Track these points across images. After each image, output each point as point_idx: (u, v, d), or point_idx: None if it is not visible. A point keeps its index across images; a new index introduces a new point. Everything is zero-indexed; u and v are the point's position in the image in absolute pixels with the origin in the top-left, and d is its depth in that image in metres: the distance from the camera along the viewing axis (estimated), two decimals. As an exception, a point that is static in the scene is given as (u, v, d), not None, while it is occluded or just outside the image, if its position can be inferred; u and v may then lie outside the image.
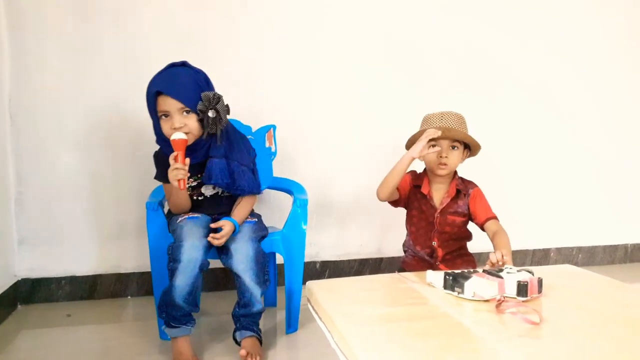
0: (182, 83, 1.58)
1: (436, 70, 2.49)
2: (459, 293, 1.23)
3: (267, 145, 2.03)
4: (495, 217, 1.74)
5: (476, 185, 1.81)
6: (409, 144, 1.82)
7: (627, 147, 2.80)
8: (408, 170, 1.80)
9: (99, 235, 2.20)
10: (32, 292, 2.14)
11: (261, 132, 2.04)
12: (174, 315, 1.59)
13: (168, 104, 1.57)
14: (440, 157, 1.72)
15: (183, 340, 1.61)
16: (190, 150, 1.60)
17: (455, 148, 1.74)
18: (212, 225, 1.62)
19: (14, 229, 2.11)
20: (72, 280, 2.18)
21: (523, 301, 1.19)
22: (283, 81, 2.33)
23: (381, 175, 2.40)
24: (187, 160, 1.56)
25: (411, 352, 0.97)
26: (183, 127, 1.57)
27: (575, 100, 2.70)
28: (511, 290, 1.22)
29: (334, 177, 2.42)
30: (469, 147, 1.78)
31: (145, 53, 2.17)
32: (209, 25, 2.23)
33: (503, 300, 1.17)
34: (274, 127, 2.06)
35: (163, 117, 1.60)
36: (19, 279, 2.12)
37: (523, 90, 2.61)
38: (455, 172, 1.81)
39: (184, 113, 1.58)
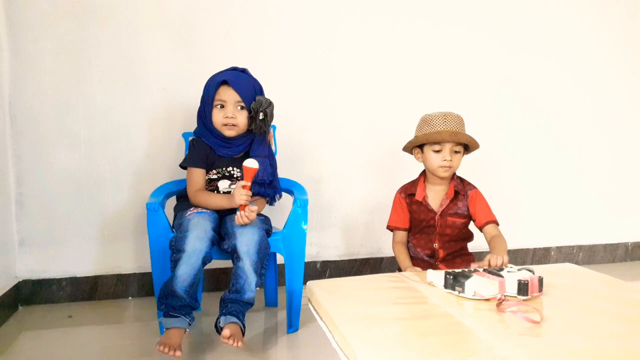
0: (244, 81, 1.79)
1: (436, 73, 2.49)
2: (459, 292, 1.23)
3: (267, 145, 2.04)
4: (494, 221, 1.74)
5: (474, 187, 1.80)
6: (408, 147, 1.83)
7: (627, 145, 2.80)
8: (399, 190, 1.87)
9: (99, 236, 2.20)
10: (33, 293, 2.14)
11: (261, 132, 2.04)
12: (174, 305, 1.54)
13: (228, 94, 1.76)
14: (444, 160, 1.72)
15: (177, 330, 1.54)
16: (231, 145, 1.80)
17: (458, 151, 1.75)
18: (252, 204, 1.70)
19: (15, 230, 2.11)
20: (73, 281, 2.18)
21: (524, 300, 1.20)
22: (283, 81, 2.33)
23: (380, 175, 2.42)
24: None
25: (412, 351, 0.97)
26: (233, 118, 1.75)
27: (574, 100, 2.69)
28: (512, 289, 1.22)
29: (334, 177, 2.42)
30: (467, 147, 1.79)
31: (144, 54, 2.17)
32: (207, 26, 2.23)
33: (504, 299, 1.18)
34: (274, 127, 2.06)
35: (219, 106, 1.77)
36: (20, 280, 2.12)
37: (522, 90, 2.61)
38: (454, 173, 1.81)
39: (239, 107, 1.77)
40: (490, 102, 2.58)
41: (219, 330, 1.59)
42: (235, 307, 1.61)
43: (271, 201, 1.88)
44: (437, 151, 1.73)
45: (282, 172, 2.12)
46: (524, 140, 2.64)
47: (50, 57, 2.09)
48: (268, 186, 1.79)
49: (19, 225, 2.12)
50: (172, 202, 1.93)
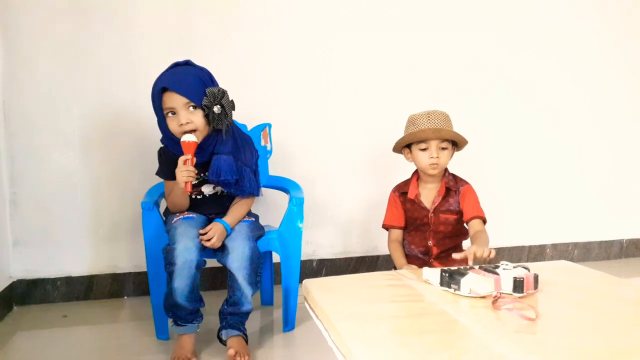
0: (187, 79, 1.59)
1: (436, 73, 2.49)
2: (455, 290, 1.23)
3: (262, 143, 2.03)
4: (481, 217, 1.74)
5: (467, 183, 1.81)
6: (397, 147, 1.83)
7: (621, 143, 2.81)
8: (394, 189, 1.88)
9: (94, 236, 2.19)
10: (27, 293, 2.13)
11: (256, 130, 2.03)
12: (179, 315, 1.61)
13: (173, 100, 1.58)
14: (431, 157, 1.73)
15: (187, 337, 1.64)
16: (198, 149, 1.61)
17: (445, 148, 1.75)
18: (201, 231, 1.61)
19: (9, 230, 2.10)
20: (68, 280, 2.17)
21: (519, 297, 1.20)
22: (279, 79, 2.32)
23: (376, 174, 2.42)
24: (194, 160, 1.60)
25: (408, 349, 0.97)
26: (189, 123, 1.57)
27: (569, 97, 2.70)
28: (507, 286, 1.22)
29: (331, 175, 2.42)
30: (456, 144, 1.79)
31: (139, 53, 2.16)
32: (204, 24, 2.22)
33: (499, 297, 1.18)
34: (269, 125, 2.06)
35: (170, 114, 1.60)
36: (14, 280, 2.11)
37: (516, 88, 2.62)
38: (446, 170, 1.81)
39: (190, 109, 1.58)
40: (490, 102, 2.58)
41: (221, 341, 1.65)
42: (235, 319, 1.66)
43: (253, 193, 1.75)
44: (424, 149, 1.74)
45: (279, 170, 2.12)
46: (522, 138, 2.65)
47: (45, 56, 2.08)
48: (233, 185, 1.66)
49: (13, 225, 2.11)
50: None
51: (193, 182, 1.61)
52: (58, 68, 2.10)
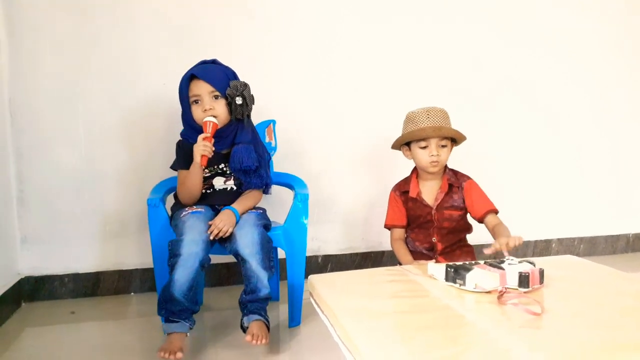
0: (214, 71, 1.75)
1: (436, 72, 2.48)
2: (460, 285, 1.24)
3: (267, 140, 2.03)
4: (494, 210, 1.74)
5: (469, 178, 1.80)
6: (396, 145, 1.83)
7: (627, 138, 2.79)
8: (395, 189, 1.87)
9: (101, 232, 2.20)
10: (35, 289, 2.15)
11: (261, 127, 2.03)
12: (173, 310, 1.56)
13: (200, 87, 1.72)
14: (432, 155, 1.72)
15: (178, 335, 1.56)
16: (217, 137, 1.71)
17: (444, 145, 1.75)
18: (210, 222, 1.62)
19: (17, 227, 2.12)
20: (76, 277, 2.19)
21: (525, 292, 1.20)
22: (283, 76, 2.32)
23: (380, 170, 2.41)
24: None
25: (413, 344, 0.97)
26: (212, 109, 1.71)
27: (569, 97, 2.68)
28: (513, 281, 1.22)
29: (335, 172, 2.42)
30: (454, 140, 1.79)
31: (144, 50, 2.17)
32: (207, 21, 2.22)
33: (505, 292, 1.18)
34: (273, 122, 2.06)
35: (194, 102, 1.74)
36: (23, 277, 2.13)
37: (516, 88, 2.59)
38: (445, 166, 1.81)
39: (214, 97, 1.72)
40: (492, 101, 2.56)
41: (244, 329, 1.62)
42: (255, 305, 1.64)
43: (266, 189, 1.82)
44: (424, 147, 1.74)
45: (283, 167, 2.13)
46: (523, 137, 2.63)
47: (50, 54, 2.09)
48: (253, 174, 1.75)
49: (20, 223, 2.12)
50: (172, 198, 1.92)
51: (209, 157, 1.68)
52: (63, 65, 2.10)
